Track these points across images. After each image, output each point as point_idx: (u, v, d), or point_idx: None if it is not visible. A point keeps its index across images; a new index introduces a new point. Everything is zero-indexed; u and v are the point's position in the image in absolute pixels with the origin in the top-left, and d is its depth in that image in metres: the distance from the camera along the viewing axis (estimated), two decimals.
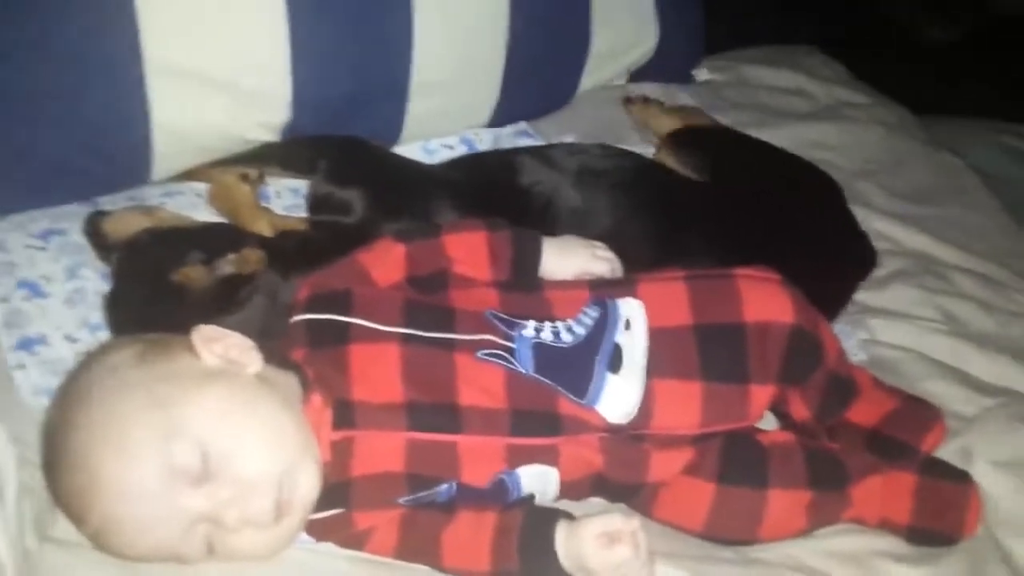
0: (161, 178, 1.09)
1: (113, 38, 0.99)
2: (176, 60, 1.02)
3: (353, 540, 0.80)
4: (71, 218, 1.02)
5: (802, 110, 1.49)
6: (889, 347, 1.09)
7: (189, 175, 1.11)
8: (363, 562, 0.79)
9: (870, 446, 0.89)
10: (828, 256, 1.10)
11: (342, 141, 1.11)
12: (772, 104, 1.48)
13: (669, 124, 1.30)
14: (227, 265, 0.91)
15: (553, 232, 0.97)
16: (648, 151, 1.24)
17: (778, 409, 0.90)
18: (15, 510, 0.74)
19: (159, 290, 0.89)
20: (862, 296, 1.15)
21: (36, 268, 0.97)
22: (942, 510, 0.86)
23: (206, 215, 1.07)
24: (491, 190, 1.08)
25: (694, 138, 1.23)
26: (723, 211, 1.09)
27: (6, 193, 1.01)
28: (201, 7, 1.03)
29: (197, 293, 0.89)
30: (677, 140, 1.22)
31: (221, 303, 0.89)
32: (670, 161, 1.19)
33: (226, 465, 0.74)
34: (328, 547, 0.80)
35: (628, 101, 1.37)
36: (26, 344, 0.91)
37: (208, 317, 0.84)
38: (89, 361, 0.80)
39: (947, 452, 0.93)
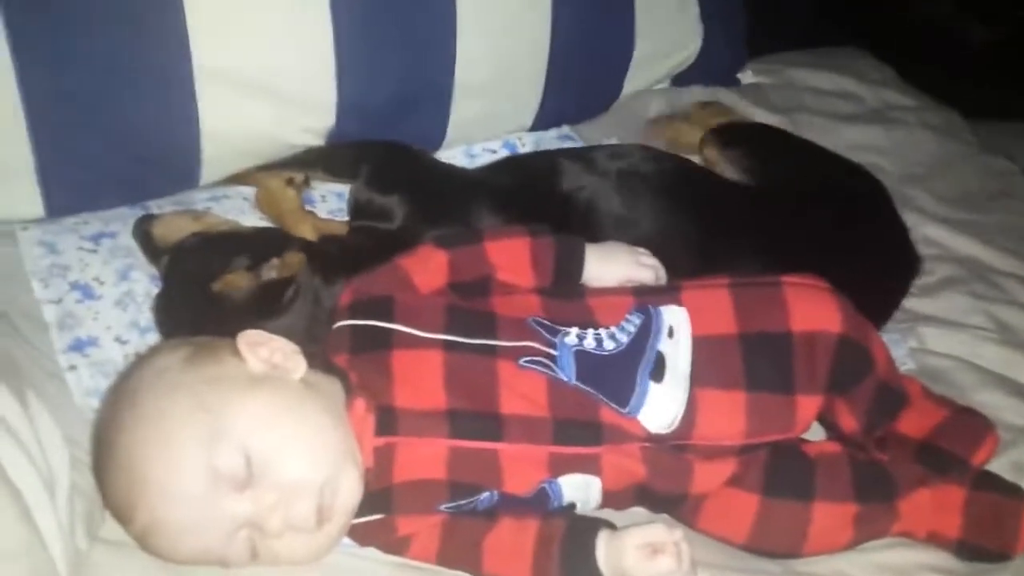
0: (209, 182, 1.11)
1: (163, 45, 1.00)
2: (224, 67, 1.03)
3: (395, 545, 0.80)
4: (121, 221, 1.04)
5: (849, 113, 1.47)
6: (939, 356, 1.07)
7: (236, 179, 1.12)
8: (405, 568, 0.80)
9: (919, 458, 0.88)
10: (876, 262, 1.08)
11: (384, 146, 1.12)
12: (818, 107, 1.46)
13: (698, 133, 1.28)
14: (271, 270, 0.92)
15: (595, 237, 0.97)
16: (691, 156, 1.23)
17: (825, 419, 0.89)
18: (67, 510, 0.75)
19: (205, 295, 0.90)
20: (911, 304, 1.14)
21: (88, 271, 0.98)
22: (993, 525, 0.84)
23: (253, 219, 1.08)
24: (532, 195, 1.08)
25: (739, 136, 1.22)
26: (768, 216, 1.07)
27: (58, 197, 1.03)
28: (248, 15, 1.04)
29: (239, 300, 0.90)
30: (722, 138, 1.21)
31: (264, 308, 0.90)
32: (715, 158, 1.17)
33: (270, 470, 0.74)
34: (371, 552, 0.81)
35: (653, 123, 1.35)
36: (78, 346, 0.92)
37: (252, 322, 0.84)
38: (138, 363, 0.81)
39: (999, 465, 0.91)
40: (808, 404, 0.84)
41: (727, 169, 1.16)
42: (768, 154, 1.19)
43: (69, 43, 0.98)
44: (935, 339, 1.10)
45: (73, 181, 1.03)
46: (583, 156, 1.12)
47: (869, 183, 1.19)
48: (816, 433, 0.90)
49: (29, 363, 0.87)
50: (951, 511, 0.84)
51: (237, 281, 0.90)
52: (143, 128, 1.03)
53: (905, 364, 1.04)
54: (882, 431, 0.89)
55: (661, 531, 0.77)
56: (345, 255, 0.97)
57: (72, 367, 0.90)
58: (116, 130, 1.02)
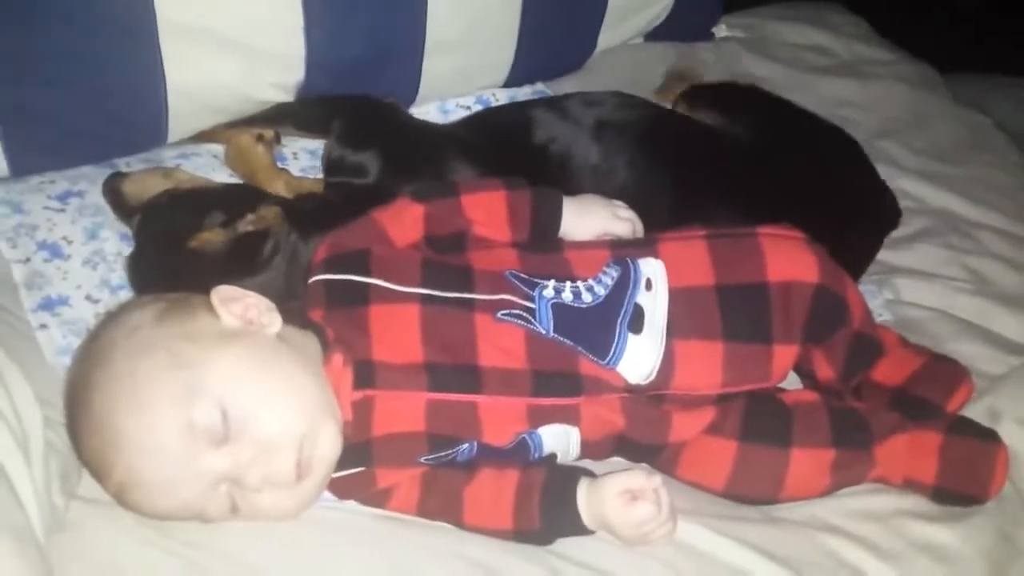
0: (176, 139, 1.09)
1: (126, 0, 0.97)
2: (189, 20, 1.01)
3: (375, 498, 0.80)
4: (89, 180, 1.02)
5: (824, 67, 1.46)
6: (915, 307, 1.08)
7: (204, 136, 1.10)
8: (386, 520, 0.80)
9: (895, 405, 0.88)
10: (851, 212, 1.08)
11: (356, 100, 1.10)
12: (793, 61, 1.45)
13: None
14: (246, 226, 0.90)
15: (570, 188, 0.96)
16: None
17: (802, 368, 0.89)
18: (41, 468, 0.74)
19: (179, 252, 0.89)
20: (887, 256, 1.14)
21: (56, 230, 0.97)
22: (968, 469, 0.85)
23: (223, 177, 1.06)
24: (507, 148, 1.06)
25: (708, 96, 1.21)
26: (745, 164, 1.07)
27: (23, 155, 1.00)
28: None
29: (217, 256, 0.89)
30: (691, 99, 1.20)
31: (243, 265, 0.89)
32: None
33: (247, 425, 0.74)
34: (352, 505, 0.80)
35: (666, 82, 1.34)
36: (48, 305, 0.91)
37: (230, 279, 0.83)
38: (108, 321, 0.80)
39: (974, 411, 0.92)
40: (785, 353, 0.84)
41: None
42: (738, 113, 1.18)
43: None
44: (911, 290, 1.10)
45: (37, 139, 1.01)
46: (556, 106, 1.10)
47: (843, 139, 1.19)
48: (792, 383, 0.91)
49: None
50: (927, 456, 0.85)
51: (213, 237, 0.89)
52: (108, 84, 1.00)
53: (881, 315, 1.05)
54: (858, 380, 0.90)
55: (640, 478, 0.77)
56: (322, 211, 0.96)
57: (43, 326, 0.89)
58: (80, 86, 0.99)
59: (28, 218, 0.97)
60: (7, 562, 0.66)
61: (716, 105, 1.18)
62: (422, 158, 1.04)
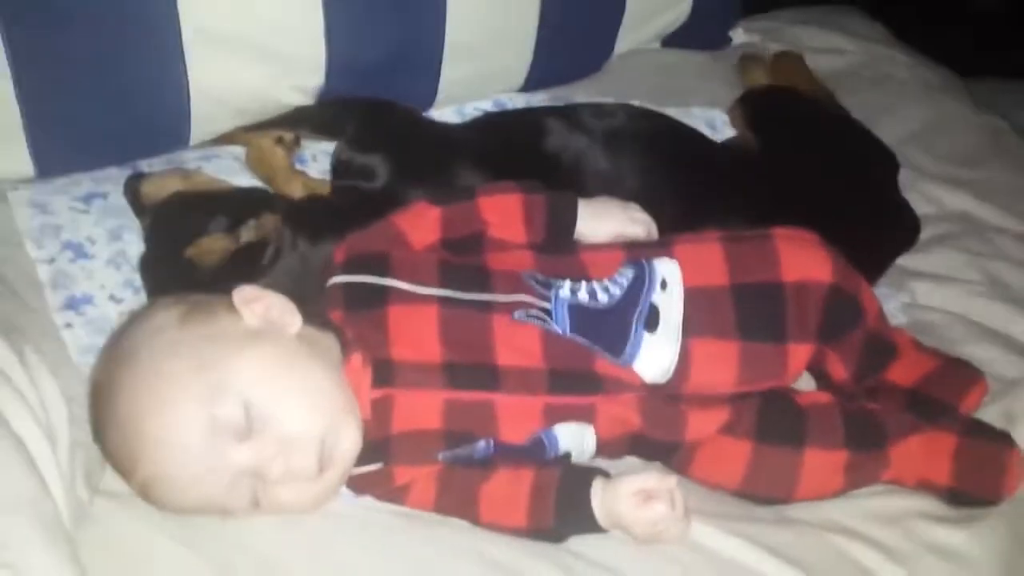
0: (199, 142, 1.10)
1: (150, 2, 0.99)
2: (212, 24, 1.02)
3: (393, 494, 0.81)
4: (112, 182, 1.03)
5: (843, 71, 1.46)
6: (931, 310, 1.08)
7: (226, 139, 1.11)
8: (403, 516, 0.81)
9: (909, 406, 0.89)
10: (868, 221, 1.08)
11: (369, 104, 1.10)
12: (811, 66, 1.45)
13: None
14: (247, 232, 0.91)
15: (580, 194, 0.96)
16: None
17: (816, 370, 0.90)
18: (68, 462, 0.75)
19: (183, 256, 0.90)
20: (904, 259, 1.14)
21: (80, 230, 0.98)
22: (982, 471, 0.85)
23: (244, 179, 1.08)
24: (517, 153, 1.07)
25: (751, 100, 1.23)
26: (758, 172, 1.07)
27: (48, 157, 1.02)
28: None
29: (212, 265, 0.90)
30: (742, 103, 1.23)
31: (243, 271, 0.89)
32: (736, 123, 1.20)
33: (269, 422, 0.75)
34: (369, 501, 0.81)
35: (743, 58, 1.40)
36: (72, 304, 0.92)
37: (232, 284, 0.83)
38: (133, 321, 0.81)
39: (989, 415, 0.91)
40: (799, 352, 0.85)
41: (743, 131, 1.17)
42: (769, 115, 1.19)
43: (55, 2, 0.96)
44: (927, 294, 1.10)
45: (63, 141, 1.02)
46: (567, 114, 1.11)
47: (872, 146, 1.19)
48: (807, 384, 0.91)
49: (26, 321, 0.87)
50: (942, 458, 0.85)
51: (212, 245, 0.90)
52: (131, 87, 1.02)
53: (897, 318, 1.05)
54: (872, 381, 0.90)
55: (655, 478, 0.78)
56: (330, 215, 0.96)
57: (68, 325, 0.90)
58: (104, 89, 1.01)
59: (53, 219, 0.99)
60: (39, 552, 0.67)
61: (752, 107, 1.20)
62: (431, 165, 1.04)
